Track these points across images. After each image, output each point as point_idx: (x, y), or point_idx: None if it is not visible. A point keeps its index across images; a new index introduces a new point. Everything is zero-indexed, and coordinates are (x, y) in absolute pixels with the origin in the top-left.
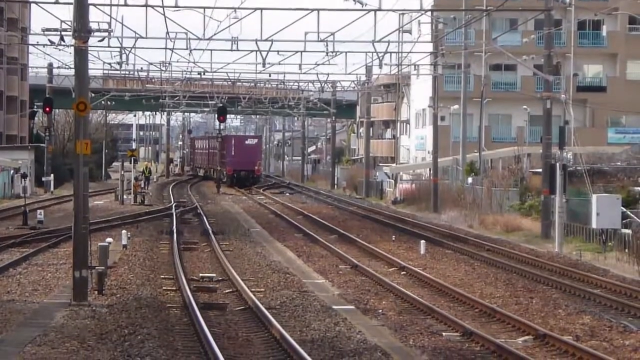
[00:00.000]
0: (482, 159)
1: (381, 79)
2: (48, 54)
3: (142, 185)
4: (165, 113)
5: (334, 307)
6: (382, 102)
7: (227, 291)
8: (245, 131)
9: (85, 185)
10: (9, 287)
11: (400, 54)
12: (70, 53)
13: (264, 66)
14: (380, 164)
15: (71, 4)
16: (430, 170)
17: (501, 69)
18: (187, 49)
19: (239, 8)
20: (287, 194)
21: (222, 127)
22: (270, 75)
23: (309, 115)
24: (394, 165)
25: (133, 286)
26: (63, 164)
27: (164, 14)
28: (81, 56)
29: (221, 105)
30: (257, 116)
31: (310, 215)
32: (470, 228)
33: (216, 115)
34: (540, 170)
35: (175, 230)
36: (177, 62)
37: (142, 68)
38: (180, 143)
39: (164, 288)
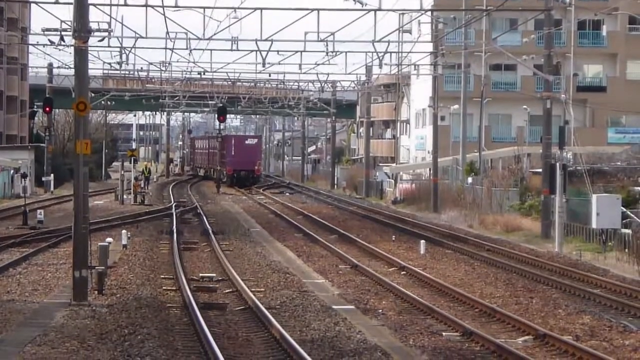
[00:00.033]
0: (482, 159)
1: (381, 79)
2: (48, 54)
3: (142, 185)
4: (165, 113)
5: (334, 307)
6: (382, 102)
7: (227, 291)
8: (245, 131)
9: (85, 185)
10: (9, 287)
11: (400, 54)
12: (70, 53)
13: (264, 66)
14: (380, 164)
15: (71, 4)
16: (430, 170)
17: (501, 69)
18: (187, 49)
19: (239, 8)
20: (287, 193)
21: (222, 127)
22: (270, 75)
23: (309, 115)
24: (394, 165)
25: (133, 286)
26: (63, 164)
27: (164, 14)
28: (81, 56)
29: (221, 105)
30: (257, 116)
31: (310, 215)
32: (470, 228)
33: (216, 115)
34: (540, 170)
35: (175, 230)
36: (177, 62)
37: (142, 68)
38: (180, 143)
39: (164, 288)
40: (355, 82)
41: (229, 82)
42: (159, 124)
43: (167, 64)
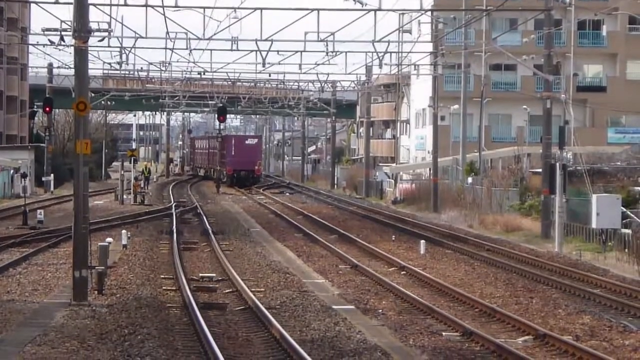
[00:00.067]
0: (482, 159)
1: (381, 78)
2: (48, 54)
3: (142, 185)
4: (165, 113)
5: (334, 307)
6: (382, 102)
7: (227, 291)
8: (245, 131)
9: (85, 185)
10: (9, 287)
11: (400, 54)
12: (70, 53)
13: (263, 66)
14: (380, 164)
15: (71, 4)
16: (430, 170)
17: (501, 68)
18: (187, 48)
19: (239, 8)
20: (287, 193)
21: (222, 127)
22: (270, 75)
23: (309, 115)
24: (394, 165)
25: (133, 286)
26: (63, 164)
27: (164, 14)
28: (81, 56)
29: (221, 105)
30: (257, 116)
31: (310, 215)
32: (470, 228)
33: (216, 115)
34: (540, 170)
35: (175, 230)
36: (177, 62)
37: (142, 68)
38: (180, 143)
39: (163, 288)
40: (355, 82)
41: (229, 82)
42: (159, 124)
43: (167, 64)
